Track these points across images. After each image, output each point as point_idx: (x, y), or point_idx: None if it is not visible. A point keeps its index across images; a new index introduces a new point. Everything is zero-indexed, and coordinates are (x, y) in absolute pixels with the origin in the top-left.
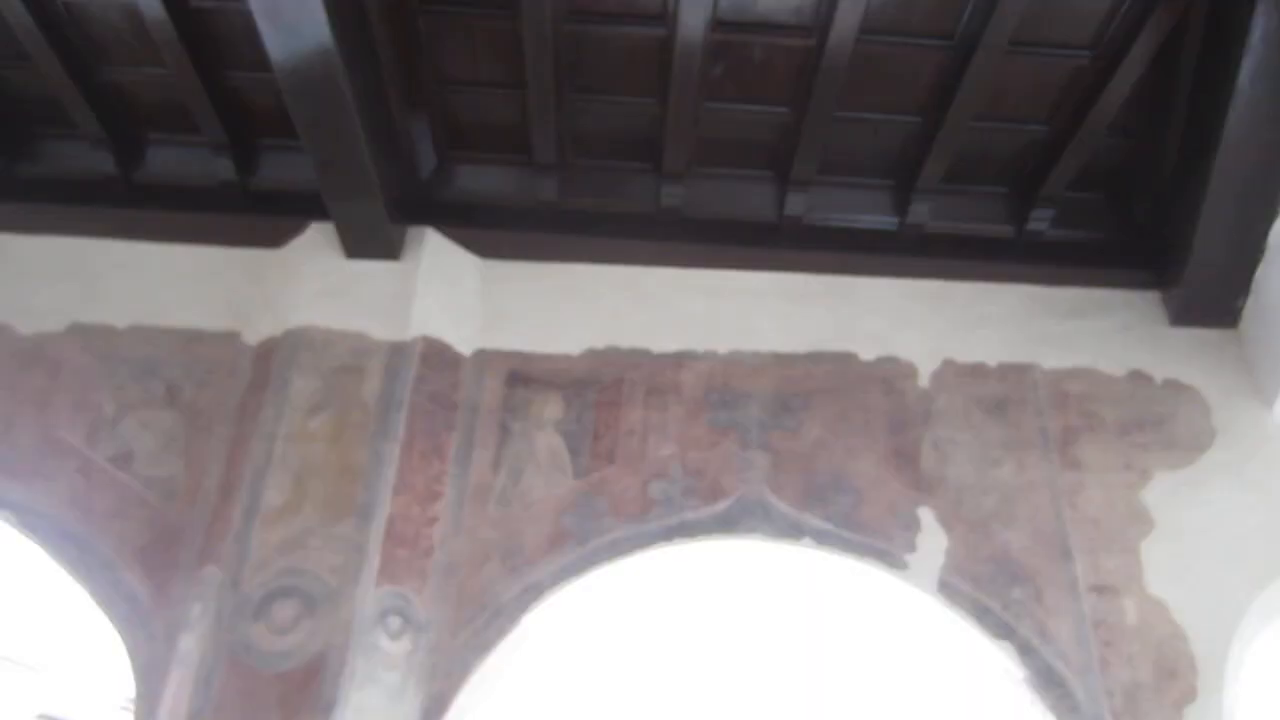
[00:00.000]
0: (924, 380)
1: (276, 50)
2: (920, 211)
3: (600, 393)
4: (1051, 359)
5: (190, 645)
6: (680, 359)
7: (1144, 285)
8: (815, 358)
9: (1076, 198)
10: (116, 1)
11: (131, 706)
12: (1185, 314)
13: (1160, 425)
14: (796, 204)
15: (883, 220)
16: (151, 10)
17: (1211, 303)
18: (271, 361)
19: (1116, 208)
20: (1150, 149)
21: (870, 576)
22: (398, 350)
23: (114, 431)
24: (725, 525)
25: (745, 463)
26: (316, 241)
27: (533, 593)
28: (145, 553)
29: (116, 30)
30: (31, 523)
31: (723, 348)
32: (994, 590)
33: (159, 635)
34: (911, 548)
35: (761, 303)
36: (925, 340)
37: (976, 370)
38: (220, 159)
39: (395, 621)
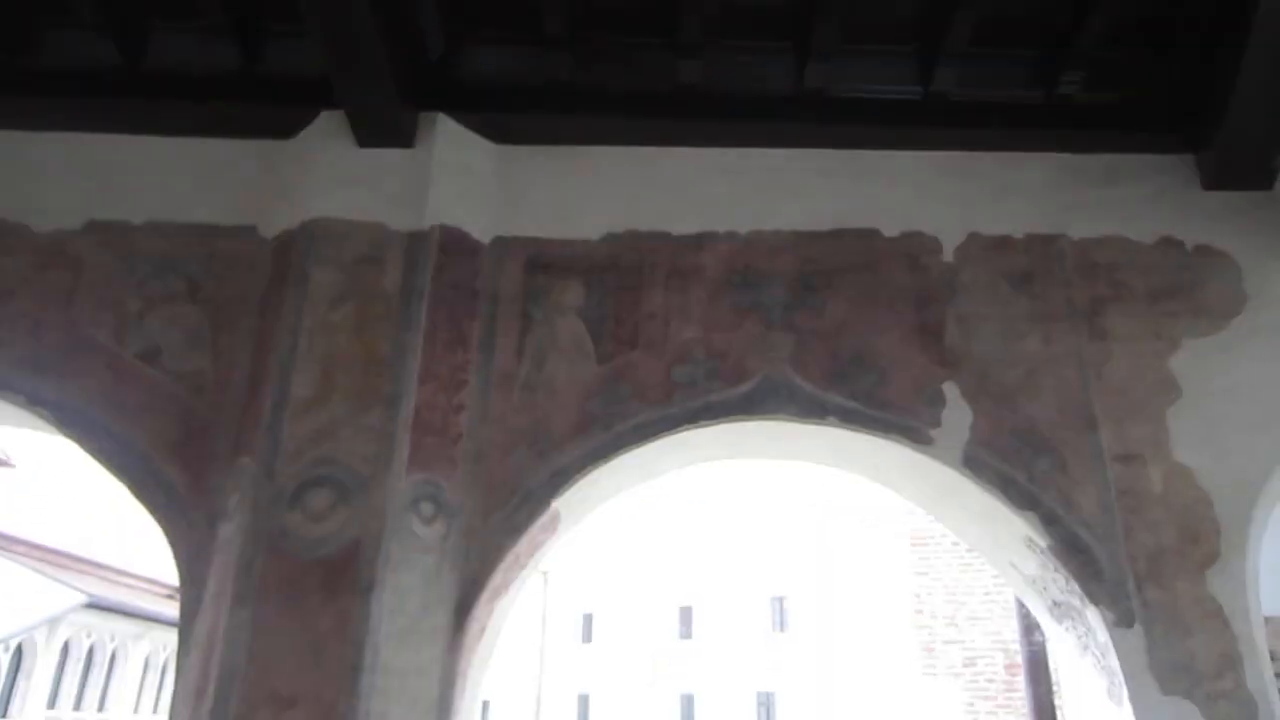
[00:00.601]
0: (948, 255)
1: None
2: (946, 78)
3: (621, 277)
4: (1080, 228)
5: (230, 534)
6: (701, 240)
7: (1177, 148)
8: (838, 235)
9: (1108, 58)
10: None
11: (176, 596)
12: (1219, 176)
13: (1190, 292)
14: (817, 75)
15: (907, 90)
16: None
17: (1247, 164)
18: (290, 254)
19: (1150, 68)
20: (1187, 1)
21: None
22: (416, 239)
23: (140, 328)
24: (749, 406)
25: (769, 343)
26: (328, 130)
27: (560, 477)
28: (179, 445)
29: None
30: (67, 418)
31: (744, 228)
32: (1019, 462)
33: (199, 524)
34: (937, 423)
35: (782, 180)
36: (950, 213)
37: (1002, 243)
38: (225, 45)
39: (428, 507)
